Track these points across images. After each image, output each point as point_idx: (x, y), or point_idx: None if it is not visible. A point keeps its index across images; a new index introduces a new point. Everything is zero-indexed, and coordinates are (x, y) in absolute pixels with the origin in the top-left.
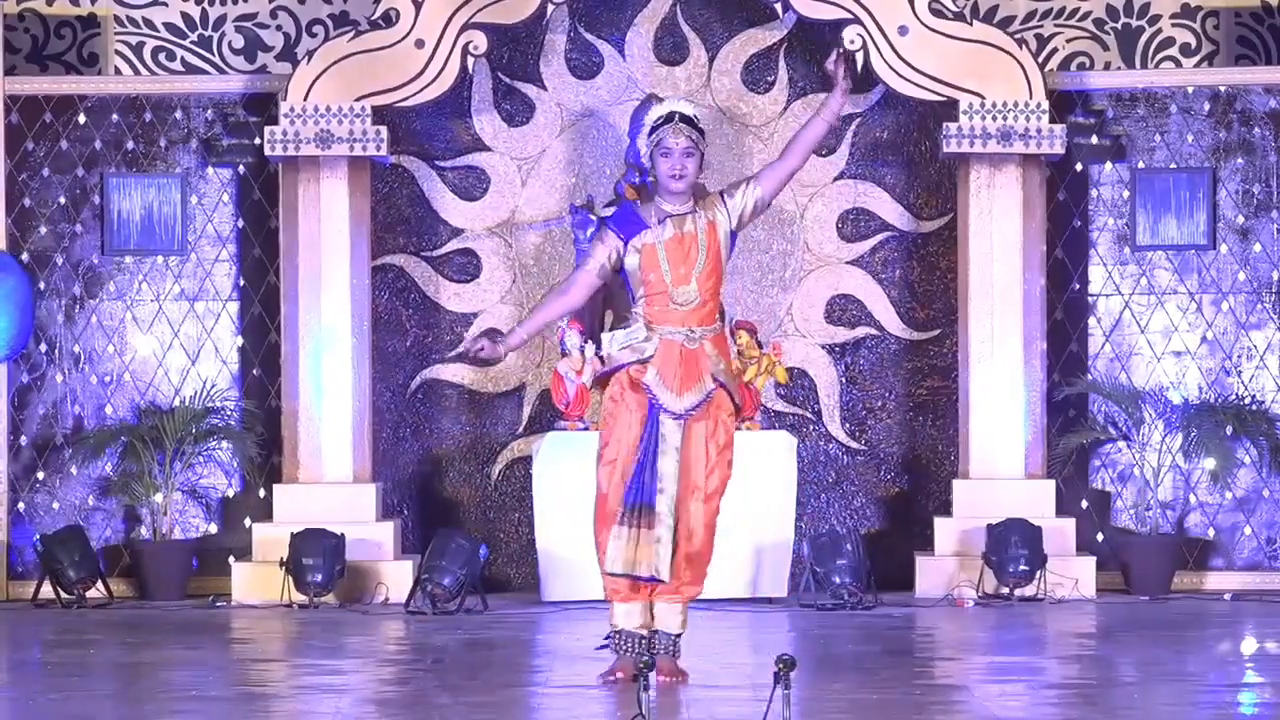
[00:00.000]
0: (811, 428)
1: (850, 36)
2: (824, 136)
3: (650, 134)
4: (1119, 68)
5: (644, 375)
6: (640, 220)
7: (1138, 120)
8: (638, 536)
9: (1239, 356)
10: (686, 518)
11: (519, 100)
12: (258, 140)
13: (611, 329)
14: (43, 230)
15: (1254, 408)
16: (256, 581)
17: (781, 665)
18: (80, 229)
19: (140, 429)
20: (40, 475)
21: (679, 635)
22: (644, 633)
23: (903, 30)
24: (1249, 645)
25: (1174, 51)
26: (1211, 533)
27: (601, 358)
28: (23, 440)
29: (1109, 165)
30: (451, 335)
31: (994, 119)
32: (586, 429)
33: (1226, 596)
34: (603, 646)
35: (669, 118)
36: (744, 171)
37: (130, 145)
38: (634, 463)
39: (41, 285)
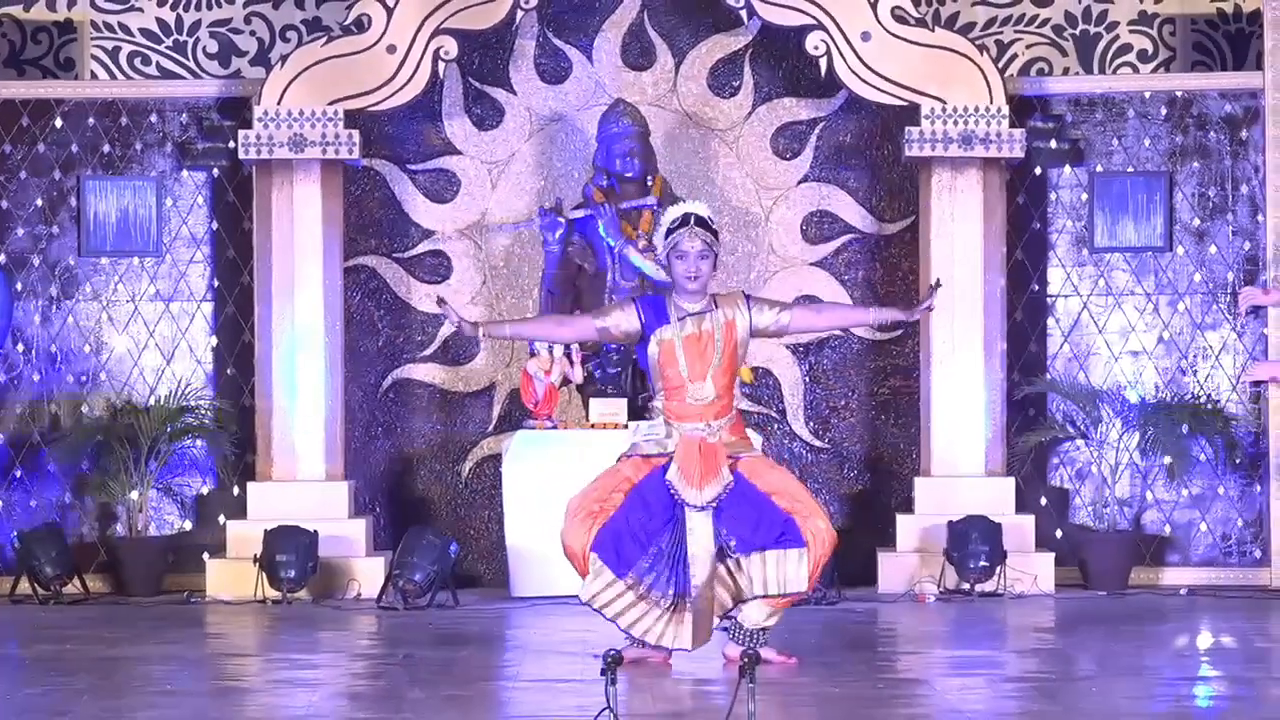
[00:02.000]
0: (776, 426)
1: (814, 42)
2: (858, 326)
3: (667, 237)
4: (1078, 73)
5: (669, 473)
6: (665, 313)
7: (1096, 125)
8: (675, 619)
9: (1195, 356)
10: (813, 535)
11: (489, 105)
12: (232, 144)
13: (638, 419)
14: (20, 232)
15: (1209, 406)
16: (231, 578)
17: (746, 660)
18: (57, 231)
19: (116, 428)
20: (18, 473)
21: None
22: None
23: (865, 36)
24: (1204, 639)
25: (1131, 58)
26: (1168, 529)
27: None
28: (0, 439)
29: (1068, 169)
30: (423, 335)
31: (955, 123)
32: (555, 428)
33: (1182, 591)
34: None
35: (684, 220)
36: (708, 174)
37: (106, 148)
38: (608, 510)
39: (19, 286)
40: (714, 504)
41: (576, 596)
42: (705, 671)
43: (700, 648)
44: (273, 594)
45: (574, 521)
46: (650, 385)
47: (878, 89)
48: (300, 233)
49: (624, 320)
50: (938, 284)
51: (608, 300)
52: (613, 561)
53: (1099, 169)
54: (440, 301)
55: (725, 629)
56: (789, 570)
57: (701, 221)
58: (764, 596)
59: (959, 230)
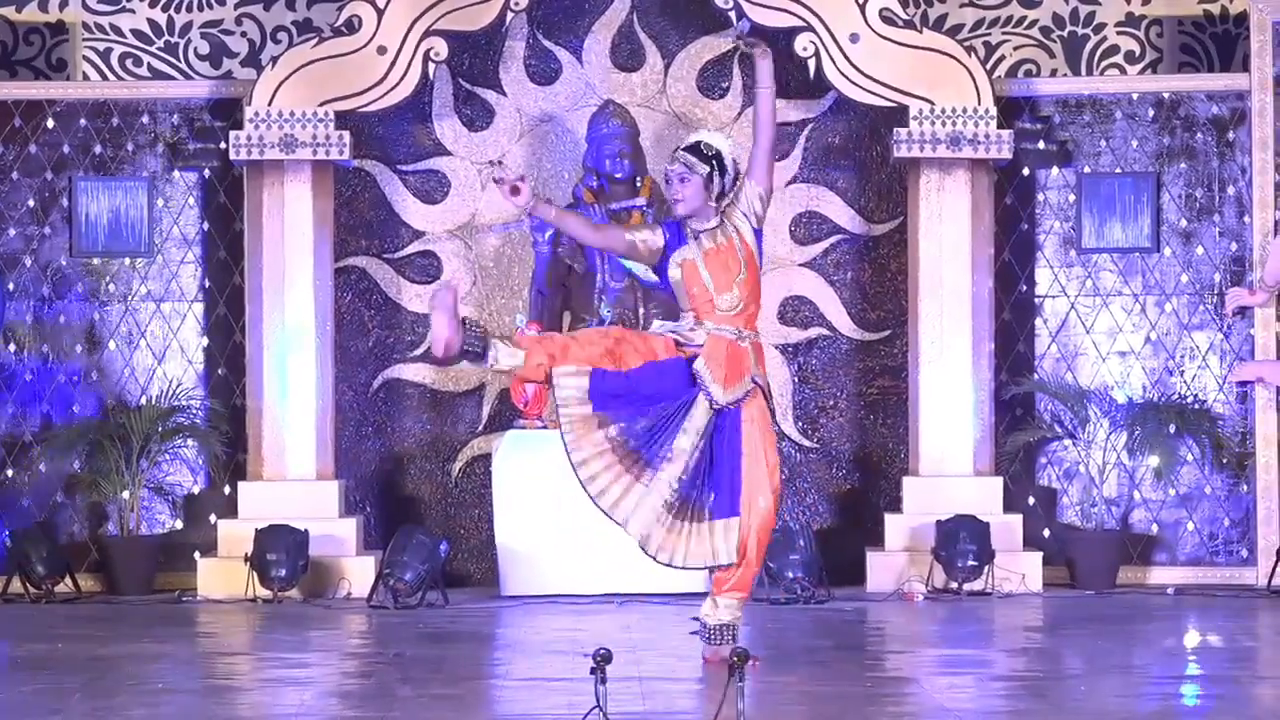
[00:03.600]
0: None
1: (803, 44)
2: (773, 104)
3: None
4: (1065, 75)
5: (695, 363)
6: (683, 237)
7: (1083, 126)
8: (631, 487)
9: (1182, 356)
10: (756, 514)
11: (479, 106)
12: (223, 144)
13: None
14: (11, 232)
15: (1196, 406)
16: (222, 577)
17: (736, 658)
18: (49, 231)
19: (108, 427)
20: (9, 473)
21: (738, 624)
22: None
23: (854, 38)
24: (1191, 638)
25: (1119, 59)
26: (1155, 528)
27: None
28: None
29: (1055, 170)
30: (413, 335)
31: (943, 125)
32: (545, 427)
33: (1170, 591)
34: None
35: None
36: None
37: (98, 149)
38: (643, 415)
39: (10, 286)
40: (730, 407)
41: (567, 595)
42: (694, 670)
43: (653, 555)
44: (263, 593)
45: (570, 341)
46: (678, 307)
47: (866, 90)
48: (291, 233)
49: (652, 238)
50: (739, 32)
51: (597, 300)
52: (601, 401)
53: (1086, 170)
54: (497, 163)
55: (695, 632)
56: (718, 543)
57: (690, 147)
58: (709, 568)
59: (947, 231)
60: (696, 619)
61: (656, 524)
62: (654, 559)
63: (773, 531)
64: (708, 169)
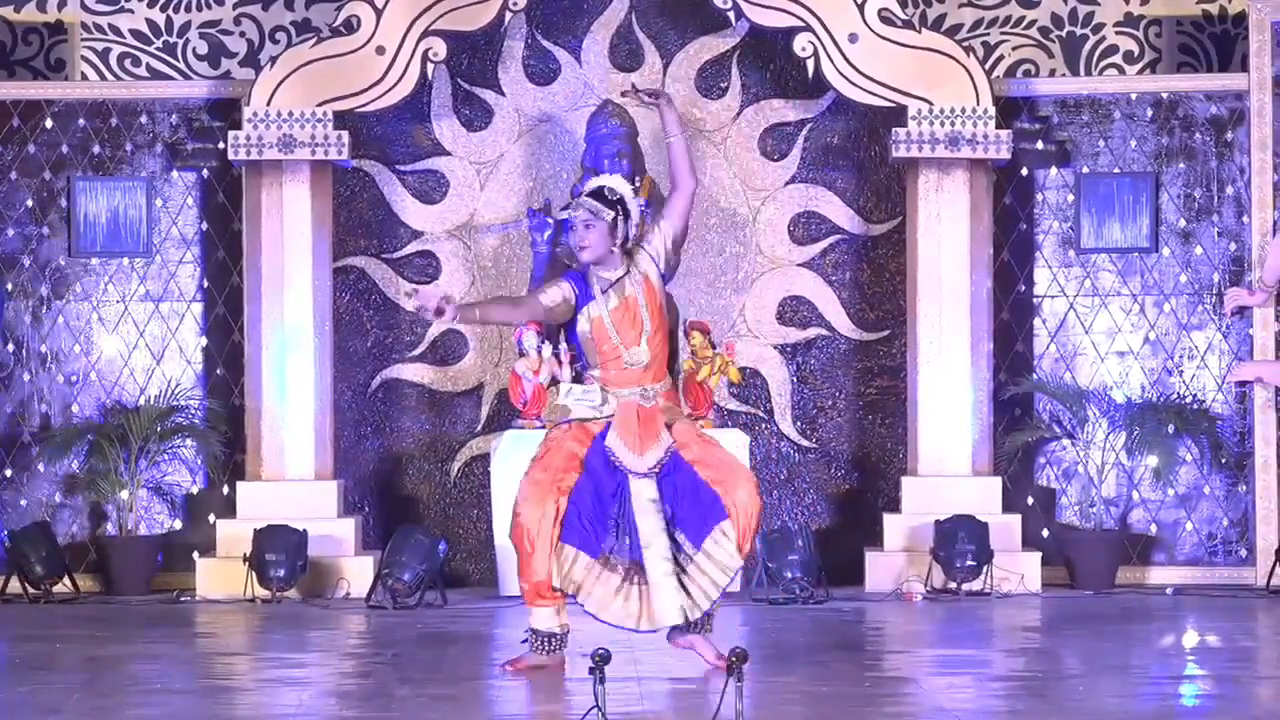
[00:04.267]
0: (764, 426)
1: (802, 44)
2: (688, 150)
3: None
4: (1064, 75)
5: (600, 432)
6: (588, 290)
7: (1082, 126)
8: (640, 594)
9: (1180, 357)
10: (738, 507)
11: (478, 106)
12: (221, 145)
13: (569, 382)
14: (10, 233)
15: (1195, 406)
16: (220, 577)
17: (734, 658)
18: (47, 231)
19: (106, 427)
20: (8, 473)
21: (715, 609)
22: (559, 631)
23: (853, 38)
24: (1190, 638)
25: (1117, 59)
26: (1154, 528)
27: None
28: None
29: (1054, 170)
30: (412, 335)
31: (942, 125)
32: (543, 428)
33: (1168, 591)
34: (523, 641)
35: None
36: (699, 176)
37: (96, 149)
38: (565, 490)
39: (9, 286)
40: (656, 470)
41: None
42: (692, 670)
43: (663, 629)
44: (262, 593)
45: (529, 507)
46: (582, 360)
47: (865, 90)
48: (290, 233)
49: (559, 295)
50: (632, 89)
51: None
52: (586, 544)
53: (1085, 170)
54: (409, 294)
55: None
56: (724, 552)
57: (592, 194)
58: (718, 596)
59: (946, 231)
60: (531, 631)
61: (676, 593)
62: (693, 624)
63: (760, 516)
64: (612, 214)
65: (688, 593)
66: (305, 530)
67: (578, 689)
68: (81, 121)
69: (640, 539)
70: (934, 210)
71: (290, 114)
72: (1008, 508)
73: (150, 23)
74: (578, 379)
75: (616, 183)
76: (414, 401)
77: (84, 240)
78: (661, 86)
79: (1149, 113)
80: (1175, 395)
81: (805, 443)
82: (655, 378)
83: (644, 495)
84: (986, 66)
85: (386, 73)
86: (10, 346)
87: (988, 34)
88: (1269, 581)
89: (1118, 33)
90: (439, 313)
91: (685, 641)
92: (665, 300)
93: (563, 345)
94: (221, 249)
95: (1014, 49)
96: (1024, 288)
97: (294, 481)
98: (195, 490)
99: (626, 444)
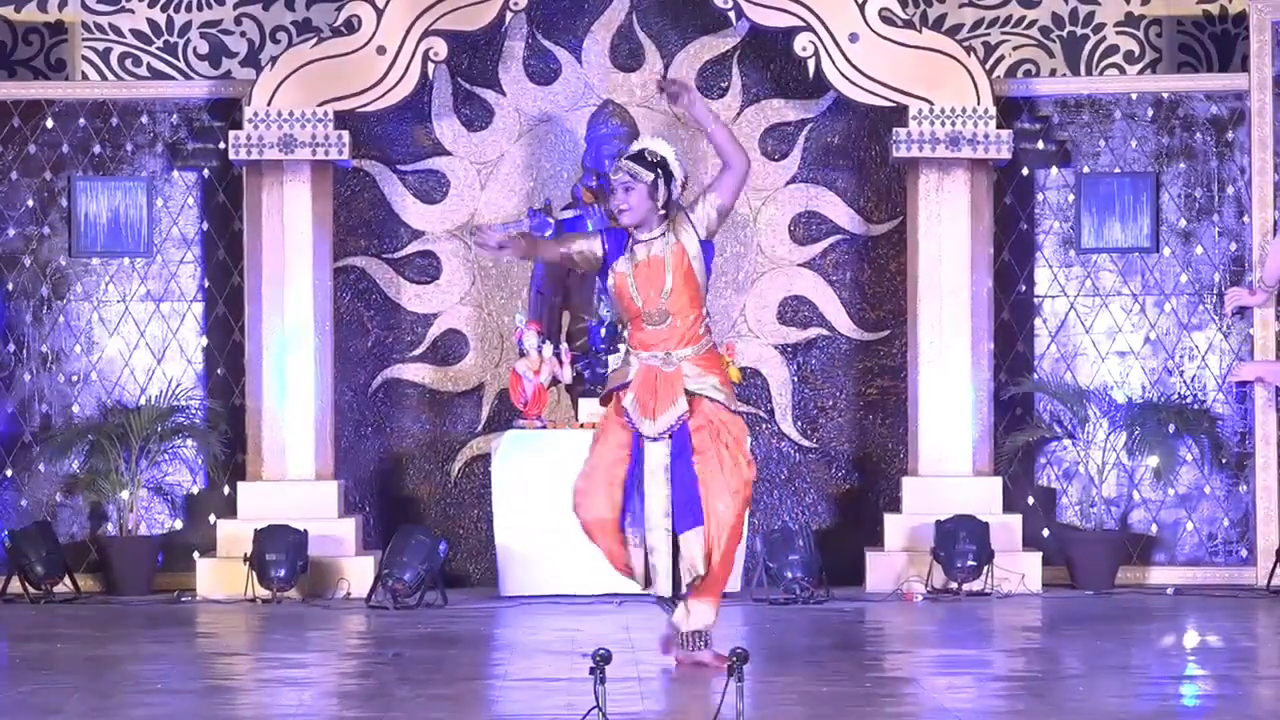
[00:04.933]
0: (764, 426)
1: (802, 44)
2: (730, 135)
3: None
4: (1064, 75)
5: (624, 399)
6: (623, 246)
7: (1083, 126)
8: (642, 556)
9: (1181, 356)
10: (715, 520)
11: (478, 105)
12: (222, 144)
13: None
14: (11, 233)
15: (1195, 407)
16: (221, 577)
17: (735, 658)
18: (48, 231)
19: (107, 427)
20: (9, 473)
21: (710, 630)
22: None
23: (853, 38)
24: (1191, 638)
25: (1118, 59)
26: (1154, 528)
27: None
28: None
29: (1054, 170)
30: (412, 335)
31: (943, 124)
32: (544, 427)
33: (1169, 591)
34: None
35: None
36: (698, 176)
37: (97, 149)
38: (620, 481)
39: (10, 287)
40: (667, 434)
41: (566, 595)
42: (693, 671)
43: (668, 595)
44: (263, 593)
45: (590, 500)
46: (620, 319)
47: (865, 90)
48: (290, 233)
49: (587, 247)
50: (661, 87)
51: (597, 301)
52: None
53: (1085, 170)
54: (474, 230)
55: (686, 645)
56: (692, 553)
57: (634, 155)
58: (690, 583)
59: (946, 231)
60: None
61: (668, 571)
62: (690, 636)
63: (737, 532)
64: (652, 176)
65: (675, 569)
66: (306, 530)
67: (578, 689)
68: (82, 121)
69: (645, 506)
70: (934, 210)
71: (291, 114)
72: (1008, 508)
73: (151, 22)
74: (578, 379)
75: (659, 145)
76: (414, 401)
77: (85, 240)
78: (685, 78)
79: (1149, 113)
80: (1176, 395)
81: (806, 442)
82: (681, 342)
83: (655, 459)
84: (987, 66)
85: (387, 73)
86: (11, 346)
87: (988, 34)
88: (1269, 581)
89: (1118, 33)
90: (500, 247)
91: (687, 659)
92: (701, 265)
93: (563, 345)
94: (222, 249)
95: (1014, 49)
96: (1024, 288)
97: (295, 481)
98: (196, 490)
99: (641, 407)
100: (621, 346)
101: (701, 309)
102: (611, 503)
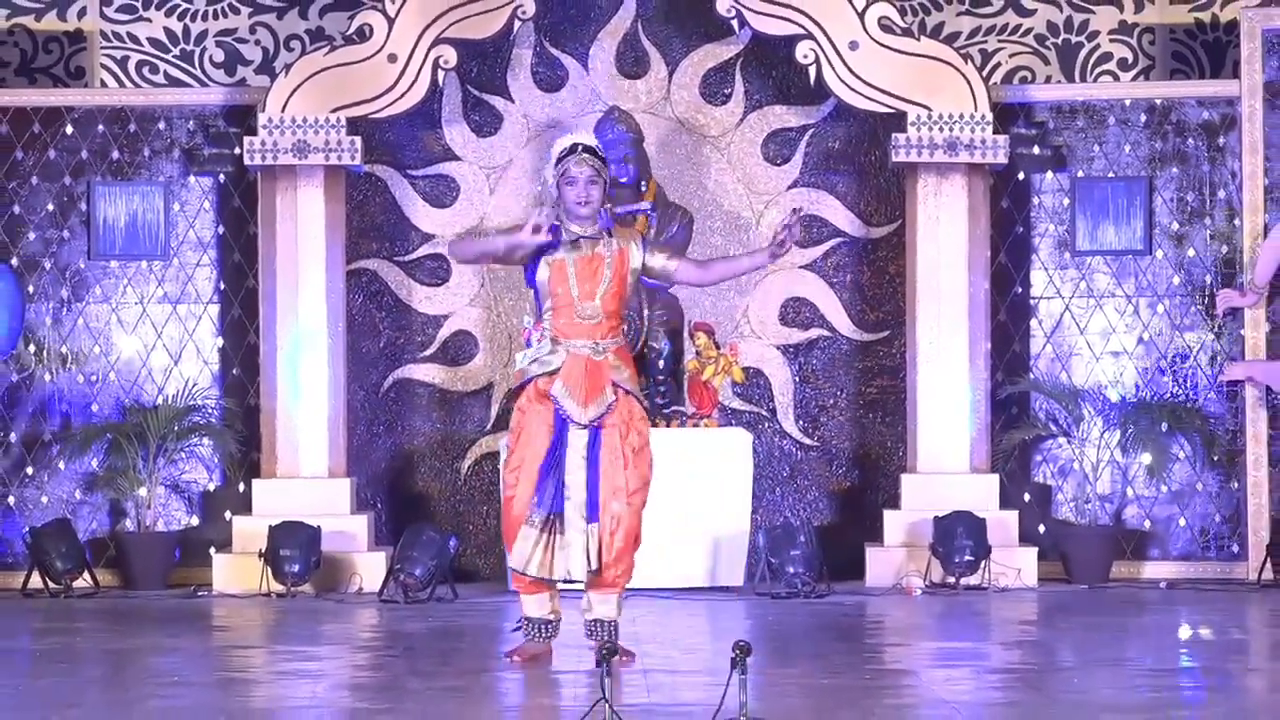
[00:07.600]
0: (767, 425)
1: (803, 51)
2: (743, 271)
3: (556, 165)
4: (1059, 81)
5: (551, 386)
6: (557, 240)
7: (1077, 131)
8: (550, 543)
9: (1174, 356)
10: (610, 517)
11: (487, 112)
12: (237, 150)
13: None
14: (31, 236)
15: (1188, 405)
16: (236, 572)
17: (738, 651)
18: (68, 235)
19: (125, 426)
20: (29, 470)
21: (616, 621)
22: (552, 618)
23: (853, 45)
24: (1184, 631)
25: (1112, 66)
26: (1148, 524)
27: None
28: (12, 437)
29: (1050, 174)
30: (423, 336)
31: (941, 130)
32: None
33: (1162, 585)
34: (515, 629)
35: (572, 149)
36: (701, 179)
37: (115, 155)
38: (539, 470)
39: (30, 289)
40: (595, 422)
41: (573, 589)
42: (697, 663)
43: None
44: (277, 588)
45: (521, 503)
46: (538, 306)
47: (865, 97)
48: (304, 237)
49: (527, 227)
50: (796, 211)
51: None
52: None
53: (1080, 174)
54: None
55: (589, 634)
56: (589, 545)
57: (589, 149)
58: (588, 573)
59: (944, 234)
60: (524, 619)
61: (584, 552)
62: (538, 578)
63: (631, 538)
64: (605, 175)
65: (545, 554)
66: (319, 526)
67: (586, 681)
68: (101, 128)
69: (565, 491)
70: (933, 214)
71: (304, 120)
72: (1005, 504)
73: (168, 31)
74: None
75: (594, 139)
76: (425, 401)
77: (103, 243)
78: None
79: (1143, 118)
80: (1168, 394)
81: (807, 441)
82: (606, 333)
83: (578, 446)
84: (984, 73)
85: (398, 80)
86: (32, 348)
87: (985, 42)
88: (1260, 575)
89: (1112, 40)
90: (535, 229)
91: (525, 652)
92: (633, 280)
93: None
94: (237, 252)
95: (1011, 56)
96: (1021, 289)
97: (308, 479)
98: (212, 487)
99: (571, 393)
100: (539, 335)
101: (624, 313)
102: (532, 490)
